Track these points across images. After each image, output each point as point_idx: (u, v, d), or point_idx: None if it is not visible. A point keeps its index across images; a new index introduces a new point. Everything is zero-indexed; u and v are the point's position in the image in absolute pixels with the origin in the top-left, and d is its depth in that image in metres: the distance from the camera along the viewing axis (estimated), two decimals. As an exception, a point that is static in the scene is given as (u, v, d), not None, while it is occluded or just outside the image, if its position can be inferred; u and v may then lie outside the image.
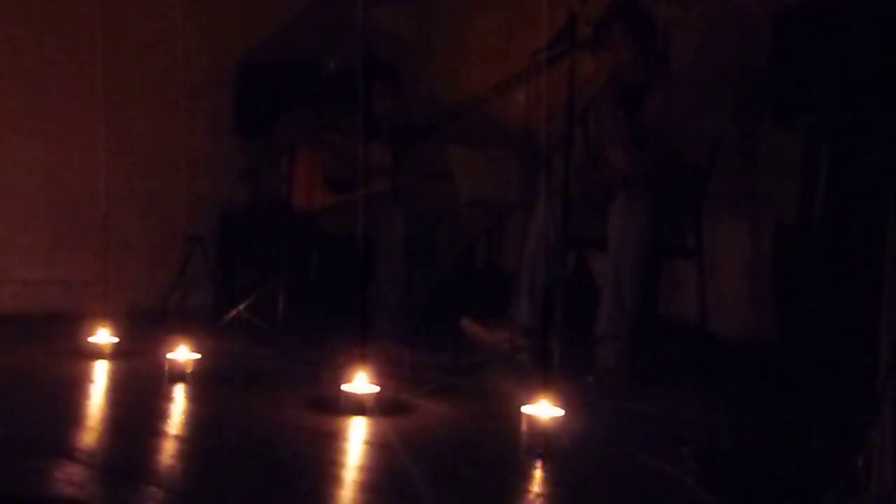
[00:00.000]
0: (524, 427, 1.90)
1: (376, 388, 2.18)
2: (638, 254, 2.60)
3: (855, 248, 2.69)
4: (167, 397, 2.29)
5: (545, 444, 1.87)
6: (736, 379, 2.71)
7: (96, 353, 2.69)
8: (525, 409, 1.92)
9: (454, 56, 3.95)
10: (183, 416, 2.17)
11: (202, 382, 2.41)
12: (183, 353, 2.44)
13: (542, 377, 2.11)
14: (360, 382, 2.18)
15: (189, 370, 2.42)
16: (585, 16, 2.32)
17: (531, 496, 1.70)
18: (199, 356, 2.46)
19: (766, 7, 3.03)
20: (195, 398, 2.31)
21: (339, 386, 2.18)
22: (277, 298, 3.21)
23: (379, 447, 1.93)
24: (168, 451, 1.86)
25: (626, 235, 2.59)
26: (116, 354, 2.71)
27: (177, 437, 1.95)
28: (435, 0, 4.01)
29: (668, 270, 3.06)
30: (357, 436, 2.02)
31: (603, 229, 2.66)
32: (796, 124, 3.00)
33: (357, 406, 2.12)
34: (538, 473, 1.81)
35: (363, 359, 2.26)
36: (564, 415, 1.93)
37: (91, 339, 2.73)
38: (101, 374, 2.57)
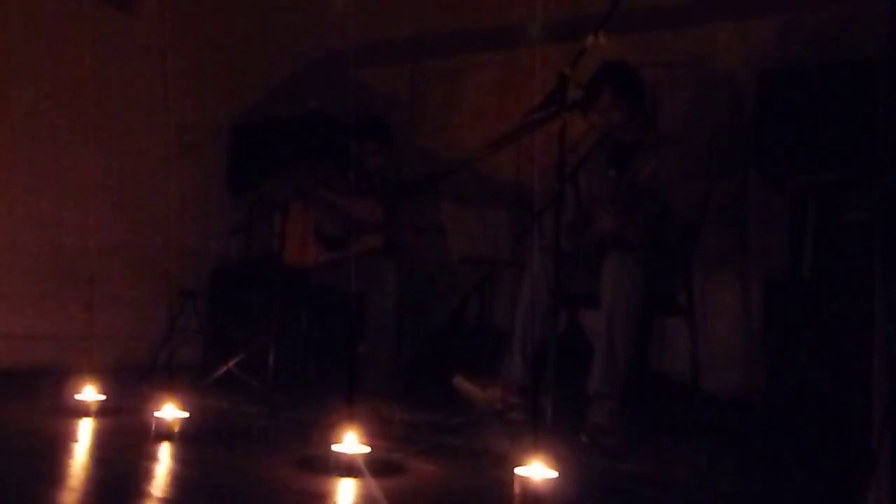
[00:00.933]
0: (517, 490, 1.86)
1: (366, 449, 2.14)
2: (630, 311, 2.60)
3: (843, 303, 2.71)
4: (152, 457, 2.24)
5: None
6: (728, 436, 2.68)
7: (82, 411, 2.65)
8: (518, 470, 1.89)
9: (447, 114, 4.02)
10: (167, 477, 2.12)
11: (189, 441, 2.37)
12: (169, 411, 2.40)
13: (535, 436, 2.08)
14: (350, 442, 2.14)
15: (175, 429, 2.37)
16: (575, 78, 2.37)
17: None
18: (185, 414, 2.42)
19: (750, 70, 3.12)
20: (181, 458, 2.27)
21: (329, 446, 2.14)
22: (268, 355, 3.18)
23: (368, 509, 1.89)
24: (152, 513, 1.82)
25: (617, 293, 2.60)
26: (102, 412, 2.66)
27: (160, 498, 1.90)
28: (428, 60, 4.10)
29: (660, 328, 3.06)
30: (346, 498, 1.98)
31: (595, 287, 2.66)
32: (783, 183, 3.05)
33: (346, 467, 2.08)
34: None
35: (353, 418, 2.23)
36: (557, 476, 1.90)
37: (77, 396, 2.69)
38: (85, 432, 2.52)
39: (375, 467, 2.11)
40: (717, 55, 3.30)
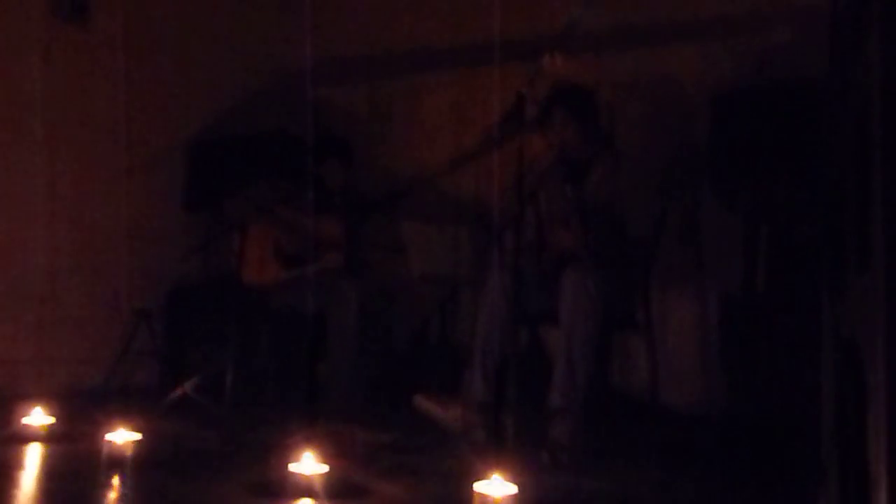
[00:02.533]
0: (477, 506, 1.86)
1: (325, 469, 2.11)
2: (589, 328, 2.63)
3: (796, 318, 2.77)
4: (104, 484, 2.18)
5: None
6: (688, 451, 2.72)
7: (30, 436, 2.57)
8: (477, 486, 1.88)
9: (407, 132, 4.03)
10: (120, 505, 2.06)
11: (142, 467, 2.31)
12: (122, 436, 2.34)
13: (497, 453, 2.08)
14: (308, 462, 2.11)
15: (128, 454, 2.32)
16: (533, 97, 2.41)
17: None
18: (139, 438, 2.37)
19: (704, 90, 3.20)
20: (133, 485, 2.21)
21: (286, 467, 2.11)
22: (225, 377, 3.13)
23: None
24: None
25: (576, 310, 2.62)
26: (52, 437, 2.59)
27: (112, 526, 1.85)
28: (388, 78, 4.11)
29: (618, 344, 3.09)
30: (304, 521, 1.95)
31: (554, 303, 2.68)
32: (736, 199, 3.12)
33: (304, 488, 2.05)
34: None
35: (312, 438, 2.20)
36: (518, 491, 1.90)
37: (25, 421, 2.61)
38: (34, 459, 2.44)
39: (335, 488, 2.09)
40: (672, 76, 3.38)
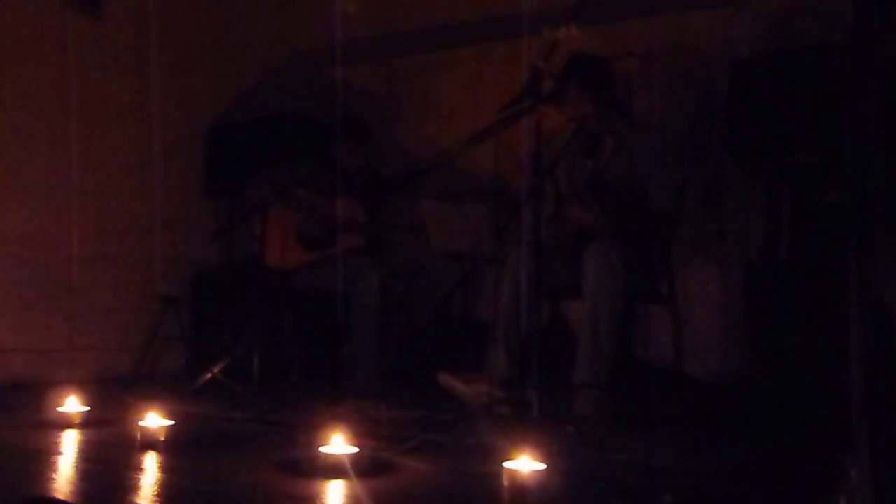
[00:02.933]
0: (506, 483, 1.87)
1: (354, 449, 2.14)
2: (613, 301, 2.62)
3: (821, 284, 2.74)
4: (139, 467, 2.23)
5: (528, 498, 1.84)
6: (713, 420, 2.71)
7: (65, 423, 2.63)
8: (507, 464, 1.90)
9: (424, 111, 4.01)
10: (155, 487, 2.10)
11: (175, 449, 2.35)
12: (155, 420, 2.39)
13: (522, 429, 2.09)
14: (338, 443, 2.14)
15: (161, 437, 2.36)
16: (549, 71, 2.38)
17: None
18: (171, 423, 2.41)
19: (723, 57, 3.15)
20: (167, 466, 2.25)
21: (316, 448, 2.14)
22: (252, 359, 3.17)
23: (358, 510, 1.89)
24: (140, 523, 1.81)
25: (600, 283, 2.62)
26: (86, 423, 2.64)
27: (149, 508, 1.89)
28: (404, 58, 4.09)
29: (642, 316, 3.09)
30: (335, 500, 1.98)
31: (576, 278, 2.68)
32: (758, 167, 3.08)
33: (335, 468, 2.08)
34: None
35: (340, 418, 2.23)
36: (545, 468, 1.91)
37: (60, 409, 2.66)
38: (70, 445, 2.50)
39: (363, 467, 2.11)
40: (689, 44, 3.33)
